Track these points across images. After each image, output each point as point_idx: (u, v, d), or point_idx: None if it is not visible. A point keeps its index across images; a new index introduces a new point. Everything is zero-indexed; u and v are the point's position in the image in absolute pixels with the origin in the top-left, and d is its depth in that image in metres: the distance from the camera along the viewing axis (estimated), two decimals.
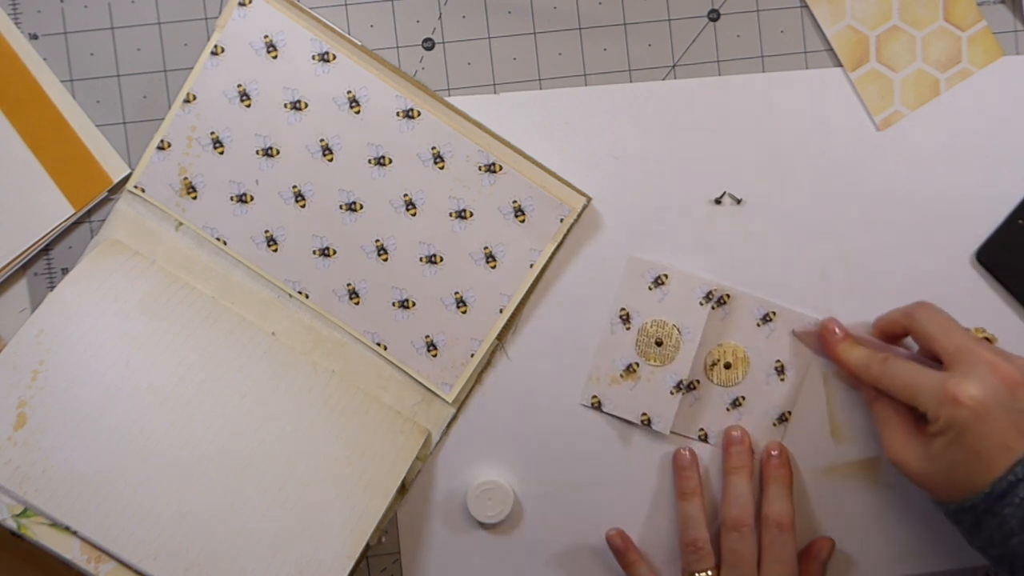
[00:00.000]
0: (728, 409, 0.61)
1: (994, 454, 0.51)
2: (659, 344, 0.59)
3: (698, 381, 0.61)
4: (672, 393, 0.60)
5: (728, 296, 0.60)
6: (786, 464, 0.60)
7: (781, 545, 0.57)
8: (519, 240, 0.60)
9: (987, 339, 0.60)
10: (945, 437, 0.52)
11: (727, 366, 0.60)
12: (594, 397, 0.60)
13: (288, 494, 0.56)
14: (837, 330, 0.59)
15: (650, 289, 0.60)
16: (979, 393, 0.51)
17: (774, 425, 0.61)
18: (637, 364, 0.60)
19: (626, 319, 0.60)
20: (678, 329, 0.59)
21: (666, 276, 0.60)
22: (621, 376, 0.60)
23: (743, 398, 0.61)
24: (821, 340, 0.60)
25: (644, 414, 0.60)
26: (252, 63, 0.59)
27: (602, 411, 0.60)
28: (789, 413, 0.61)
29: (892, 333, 0.59)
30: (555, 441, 0.61)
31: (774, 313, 0.60)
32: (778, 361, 0.61)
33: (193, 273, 0.60)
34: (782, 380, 0.61)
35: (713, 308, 0.60)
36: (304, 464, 0.57)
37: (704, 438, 0.61)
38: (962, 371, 0.52)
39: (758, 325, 0.61)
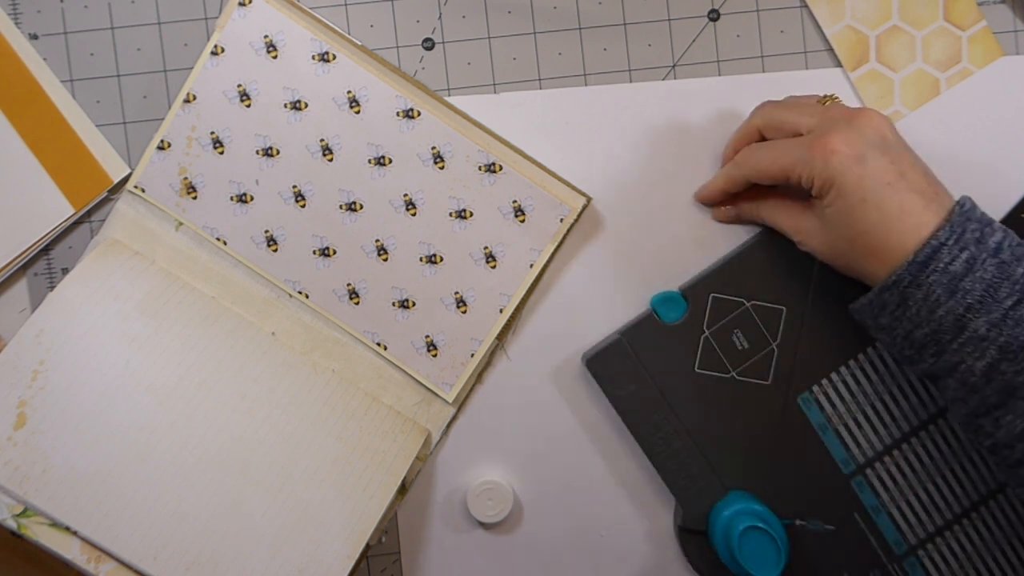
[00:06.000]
0: None
1: (882, 196, 0.50)
2: None
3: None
4: None
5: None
6: None
7: None
8: (519, 240, 0.60)
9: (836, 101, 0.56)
10: (831, 195, 0.51)
11: None
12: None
13: (288, 494, 0.56)
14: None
15: None
16: (847, 138, 0.50)
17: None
18: None
19: None
20: None
21: None
22: None
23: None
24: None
25: None
26: (252, 63, 0.59)
27: None
28: None
29: (750, 141, 0.57)
30: (555, 441, 0.61)
31: None
32: None
33: (193, 273, 0.60)
34: None
35: None
36: (304, 464, 0.57)
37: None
38: (824, 128, 0.52)
39: None
